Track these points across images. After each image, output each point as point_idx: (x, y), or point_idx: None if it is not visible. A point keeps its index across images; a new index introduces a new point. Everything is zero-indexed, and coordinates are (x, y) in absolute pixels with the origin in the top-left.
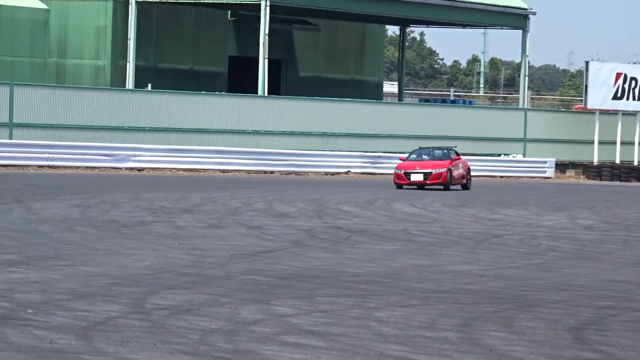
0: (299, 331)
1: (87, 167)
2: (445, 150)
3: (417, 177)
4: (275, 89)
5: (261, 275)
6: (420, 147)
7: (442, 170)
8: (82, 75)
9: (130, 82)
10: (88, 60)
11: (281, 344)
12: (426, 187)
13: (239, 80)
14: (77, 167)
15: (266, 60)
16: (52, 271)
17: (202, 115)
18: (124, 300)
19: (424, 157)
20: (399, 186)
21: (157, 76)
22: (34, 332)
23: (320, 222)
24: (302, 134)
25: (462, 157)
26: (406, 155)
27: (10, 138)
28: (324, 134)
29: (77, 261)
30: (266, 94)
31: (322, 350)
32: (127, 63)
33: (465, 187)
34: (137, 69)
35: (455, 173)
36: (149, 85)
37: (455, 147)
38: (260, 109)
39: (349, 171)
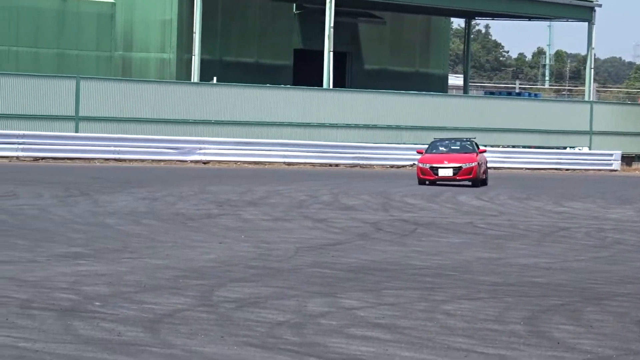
0: (366, 324)
1: (153, 160)
2: (468, 142)
3: (445, 172)
4: (340, 82)
5: (328, 268)
6: (436, 139)
7: (473, 164)
8: (147, 68)
9: (195, 76)
10: (154, 54)
11: (348, 336)
12: (439, 183)
13: (304, 73)
14: (142, 160)
15: (331, 53)
16: (119, 264)
17: (267, 108)
18: (191, 293)
19: (444, 149)
20: (423, 182)
21: (222, 69)
22: (102, 325)
23: (386, 214)
24: (367, 126)
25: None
26: (424, 147)
27: (77, 131)
28: (389, 127)
29: (144, 254)
30: (331, 86)
31: (389, 343)
32: (193, 56)
33: (484, 182)
34: (203, 62)
35: (482, 168)
36: (215, 78)
37: (475, 138)
38: (326, 101)
39: (414, 164)
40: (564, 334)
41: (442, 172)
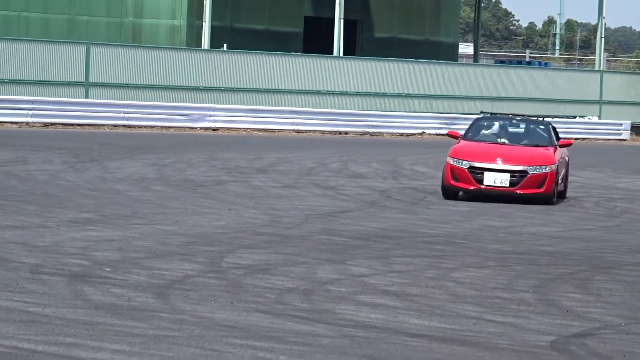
0: (375, 291)
1: (163, 127)
2: (541, 127)
3: (496, 179)
4: (350, 50)
5: (337, 235)
6: (485, 113)
7: (547, 168)
8: (158, 35)
9: (206, 42)
10: (164, 20)
11: (357, 303)
12: (485, 196)
13: (315, 40)
14: (152, 127)
15: (342, 21)
16: (128, 230)
17: (277, 76)
18: (200, 259)
19: (499, 135)
20: (452, 192)
21: (232, 36)
22: (112, 290)
23: (395, 182)
24: (377, 94)
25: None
26: (457, 127)
27: (86, 97)
28: (399, 95)
29: (153, 220)
30: (341, 54)
31: (398, 310)
32: (203, 23)
33: (562, 195)
34: (213, 29)
35: (561, 172)
36: (225, 45)
37: (546, 118)
38: (336, 69)
39: (423, 132)
40: (572, 303)
41: (490, 179)
